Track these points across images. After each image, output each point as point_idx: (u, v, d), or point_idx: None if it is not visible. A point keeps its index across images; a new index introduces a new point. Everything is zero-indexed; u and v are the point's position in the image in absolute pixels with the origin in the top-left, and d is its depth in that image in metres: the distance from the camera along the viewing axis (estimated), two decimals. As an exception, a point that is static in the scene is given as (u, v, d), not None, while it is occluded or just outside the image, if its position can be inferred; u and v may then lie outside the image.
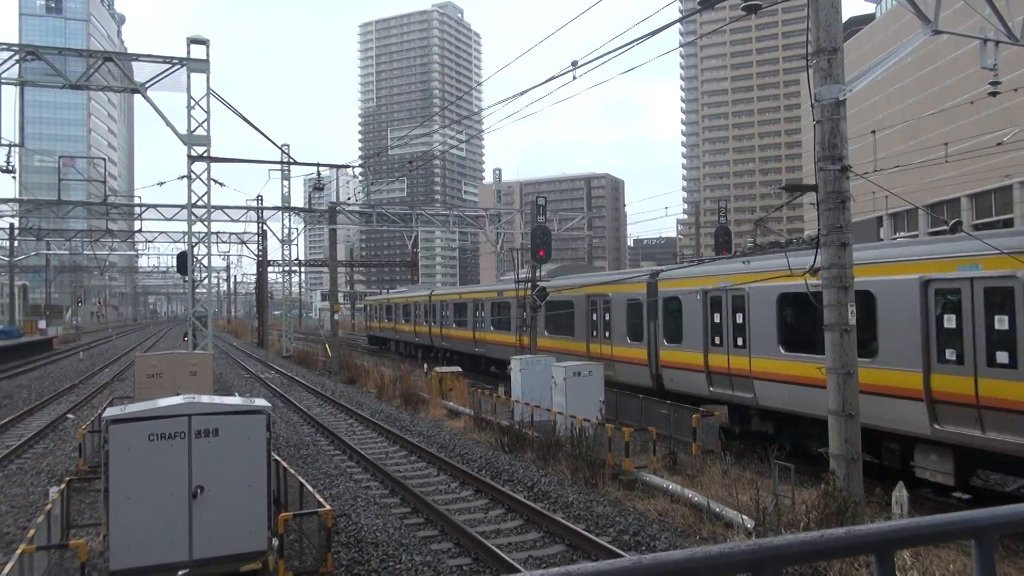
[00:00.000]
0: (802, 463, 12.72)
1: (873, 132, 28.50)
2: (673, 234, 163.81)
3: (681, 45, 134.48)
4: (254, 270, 60.71)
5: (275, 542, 8.36)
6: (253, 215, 49.66)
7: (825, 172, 10.77)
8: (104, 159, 45.09)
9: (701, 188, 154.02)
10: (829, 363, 10.38)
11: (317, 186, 30.74)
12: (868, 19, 76.44)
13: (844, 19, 12.93)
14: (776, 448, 11.27)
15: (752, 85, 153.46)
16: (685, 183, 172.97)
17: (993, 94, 12.37)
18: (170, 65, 22.56)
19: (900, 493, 9.82)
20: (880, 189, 19.41)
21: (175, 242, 56.88)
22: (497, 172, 53.77)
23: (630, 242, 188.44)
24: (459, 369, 25.96)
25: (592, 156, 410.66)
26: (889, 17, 65.90)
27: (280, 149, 33.81)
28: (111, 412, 8.12)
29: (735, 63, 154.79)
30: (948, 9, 11.89)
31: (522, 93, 14.81)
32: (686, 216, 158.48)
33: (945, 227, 12.51)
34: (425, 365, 29.88)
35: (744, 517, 9.93)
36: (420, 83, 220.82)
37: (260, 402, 8.98)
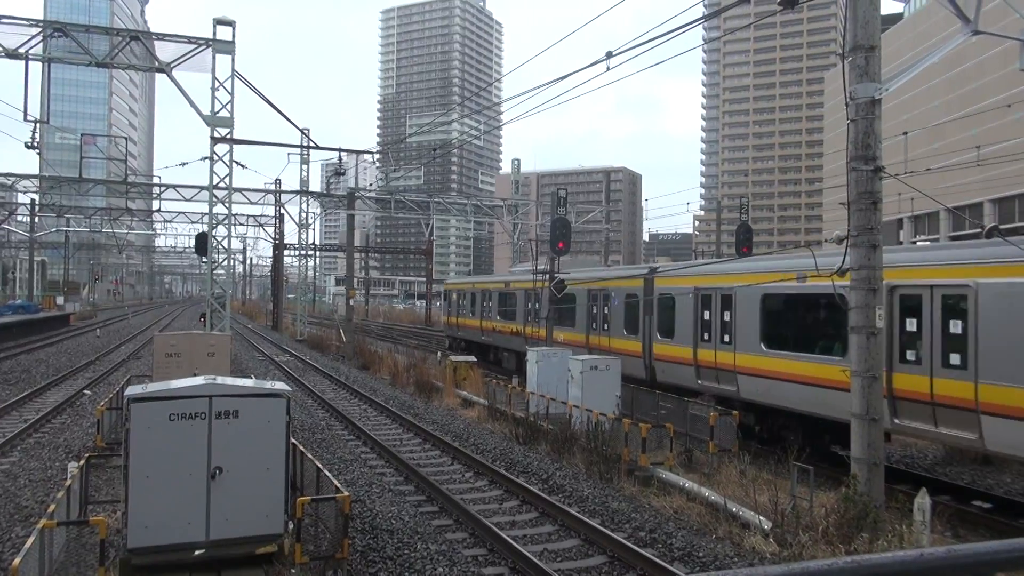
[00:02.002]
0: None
1: (905, 133, 28.15)
2: (689, 230, 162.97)
3: (706, 41, 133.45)
4: (270, 253, 60.92)
5: (291, 526, 8.34)
6: (271, 198, 49.82)
7: (857, 172, 10.58)
8: (125, 138, 45.30)
9: (720, 185, 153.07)
10: (854, 366, 10.22)
11: (338, 171, 30.75)
12: (895, 19, 75.48)
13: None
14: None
15: (775, 83, 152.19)
16: (704, 179, 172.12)
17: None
18: (196, 46, 22.55)
19: (923, 500, 9.66)
20: (905, 191, 19.14)
21: (193, 223, 57.21)
22: (516, 162, 53.62)
23: (646, 236, 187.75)
24: (473, 358, 25.93)
25: (608, 150, 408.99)
26: (919, 16, 65.05)
27: (302, 132, 33.79)
28: (132, 390, 8.11)
29: (758, 59, 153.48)
30: (983, 8, 11.63)
31: (549, 84, 14.68)
32: (703, 212, 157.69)
33: (979, 230, 12.30)
34: (439, 353, 29.87)
35: (761, 518, 9.83)
36: (440, 71, 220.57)
37: (280, 386, 8.96)
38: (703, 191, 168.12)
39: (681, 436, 14.43)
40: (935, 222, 57.52)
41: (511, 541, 9.28)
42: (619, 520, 10.41)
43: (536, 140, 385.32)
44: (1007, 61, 45.31)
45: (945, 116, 50.54)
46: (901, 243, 65.08)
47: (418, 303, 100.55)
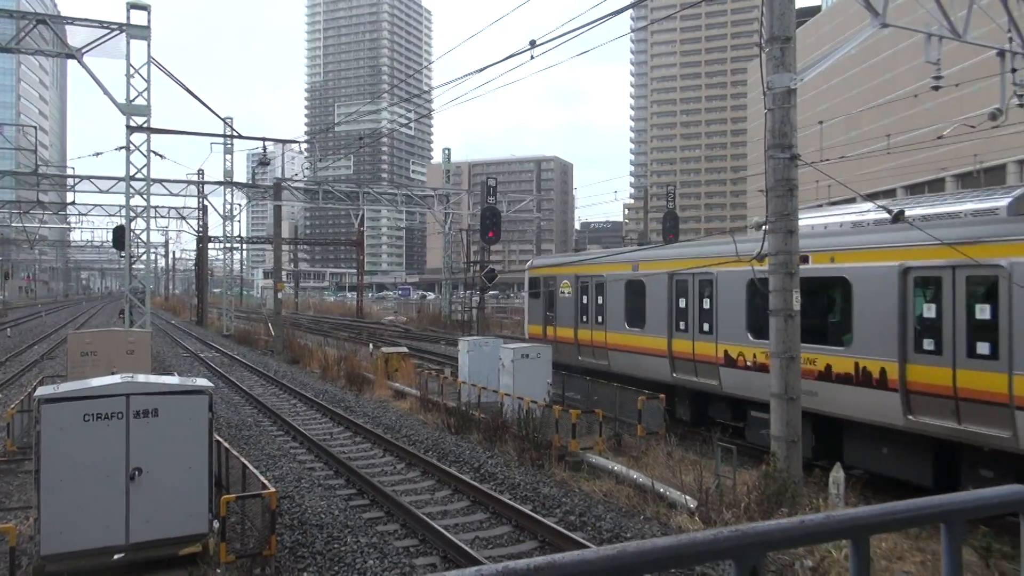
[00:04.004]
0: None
1: (821, 123, 29.15)
2: (620, 218, 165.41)
3: (632, 31, 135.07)
4: (194, 246, 59.12)
5: (216, 525, 8.16)
6: (193, 189, 48.28)
7: (775, 160, 10.92)
8: (35, 127, 43.16)
9: (648, 173, 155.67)
10: (773, 348, 10.59)
11: (262, 161, 29.98)
12: (814, 11, 77.95)
13: (795, 9, 13.07)
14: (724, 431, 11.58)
15: (700, 72, 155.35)
16: (633, 168, 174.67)
17: (936, 88, 12.71)
18: (108, 30, 21.61)
19: (837, 474, 10.10)
20: (821, 178, 19.85)
21: (111, 215, 55.01)
22: (447, 152, 53.35)
23: (577, 225, 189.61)
24: (405, 349, 25.79)
25: (540, 139, 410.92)
26: (836, 9, 67.35)
27: (223, 121, 32.83)
28: (43, 391, 7.78)
29: (684, 50, 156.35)
30: (894, 2, 12.13)
31: (480, 71, 14.62)
32: (633, 201, 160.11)
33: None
34: (371, 345, 29.57)
35: (687, 497, 10.10)
36: (369, 59, 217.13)
37: (202, 382, 8.73)
38: (632, 179, 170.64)
39: (611, 420, 14.70)
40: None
41: (442, 530, 9.29)
42: (550, 505, 10.54)
43: (468, 130, 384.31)
44: (917, 54, 47.41)
45: (861, 106, 52.54)
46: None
47: (349, 295, 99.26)
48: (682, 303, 15.51)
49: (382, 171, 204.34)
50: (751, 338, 13.64)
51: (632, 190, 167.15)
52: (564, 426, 13.15)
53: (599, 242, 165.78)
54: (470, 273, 40.77)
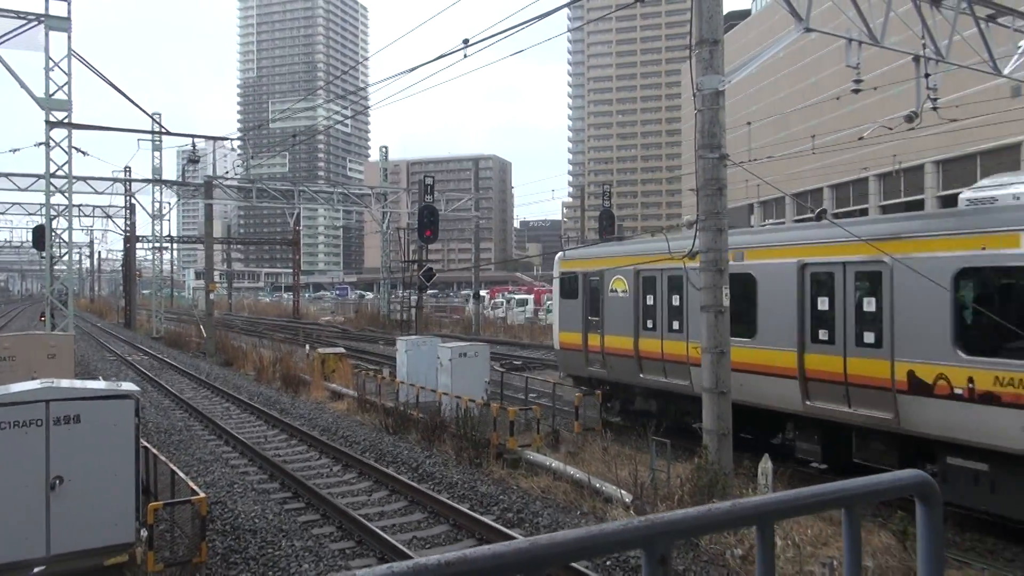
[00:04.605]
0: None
1: (749, 124, 29.92)
2: (559, 216, 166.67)
3: (569, 30, 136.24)
4: (121, 246, 57.13)
5: (144, 533, 7.93)
6: (120, 187, 46.63)
7: (704, 160, 11.19)
8: (-54, 121, 40.95)
9: (586, 172, 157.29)
10: (704, 343, 10.84)
11: (191, 158, 29.16)
12: (744, 14, 79.98)
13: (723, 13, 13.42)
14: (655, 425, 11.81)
15: (636, 73, 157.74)
16: (571, 167, 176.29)
17: (856, 91, 13.18)
18: (26, 21, 20.68)
19: (765, 465, 10.41)
20: (752, 178, 20.43)
21: (31, 214, 52.69)
22: (384, 150, 52.84)
23: (516, 224, 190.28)
24: (343, 350, 25.49)
25: (479, 138, 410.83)
26: (764, 13, 69.23)
27: (151, 118, 31.83)
28: (-46, 398, 7.42)
29: (620, 51, 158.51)
30: (817, 9, 12.55)
31: (411, 70, 14.53)
32: (572, 199, 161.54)
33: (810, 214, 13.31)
34: (307, 346, 29.10)
35: (623, 491, 10.27)
36: (304, 55, 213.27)
37: (128, 386, 8.47)
38: (571, 178, 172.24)
39: (549, 417, 14.83)
40: (781, 207, 61.58)
41: (379, 531, 9.23)
42: (488, 503, 10.57)
43: (407, 128, 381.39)
44: (840, 58, 49.06)
45: (789, 108, 54.10)
46: (752, 226, 69.41)
47: (285, 295, 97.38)
48: (823, 304, 11.52)
49: (318, 169, 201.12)
50: (962, 354, 9.64)
51: (570, 189, 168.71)
52: (502, 424, 13.20)
53: (538, 240, 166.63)
54: (408, 272, 40.53)
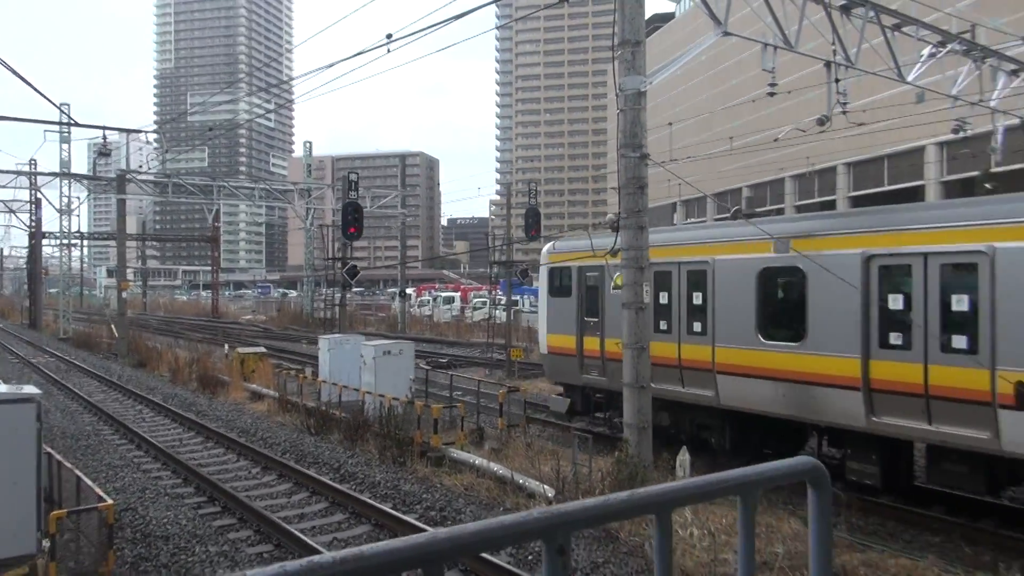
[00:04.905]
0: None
1: (670, 124, 30.59)
2: (486, 214, 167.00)
3: (497, 27, 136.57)
4: (26, 242, 54.23)
5: (46, 543, 7.54)
6: (25, 181, 44.24)
7: (626, 159, 11.36)
8: None
9: (513, 170, 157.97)
10: (625, 339, 11.02)
11: (103, 151, 27.91)
12: (669, 17, 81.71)
13: (647, 16, 13.67)
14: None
15: (564, 72, 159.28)
16: (499, 164, 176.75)
17: (771, 94, 13.62)
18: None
19: (683, 457, 10.68)
20: (675, 177, 20.91)
21: (-76, 208, 49.47)
22: (308, 145, 51.81)
23: (444, 221, 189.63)
24: (263, 349, 24.89)
25: (407, 135, 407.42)
26: (687, 16, 70.86)
27: (58, 108, 30.28)
28: None
29: (548, 50, 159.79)
30: (737, 14, 12.91)
31: (331, 65, 14.28)
32: (500, 197, 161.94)
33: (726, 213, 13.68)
34: (226, 346, 28.27)
35: (545, 487, 10.34)
36: (225, 45, 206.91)
37: (29, 389, 8.04)
38: (499, 176, 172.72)
39: (473, 414, 14.83)
40: (703, 206, 63.20)
41: (298, 533, 9.04)
42: (411, 502, 10.49)
43: (332, 124, 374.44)
44: (758, 62, 50.72)
45: (711, 109, 55.57)
46: (675, 224, 71.07)
47: (204, 294, 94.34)
48: (896, 302, 9.96)
49: (240, 164, 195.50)
50: None
51: (499, 187, 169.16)
52: (426, 422, 13.11)
53: (466, 238, 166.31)
54: (332, 270, 39.87)
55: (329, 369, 17.52)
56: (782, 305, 11.95)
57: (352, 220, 21.92)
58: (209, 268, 76.88)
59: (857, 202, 43.21)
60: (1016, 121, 17.84)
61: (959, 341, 9.20)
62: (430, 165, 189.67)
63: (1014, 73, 17.16)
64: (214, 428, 15.57)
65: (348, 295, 39.48)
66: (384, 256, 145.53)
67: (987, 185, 18.59)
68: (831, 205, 48.78)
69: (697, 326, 12.56)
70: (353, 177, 23.41)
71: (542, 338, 16.02)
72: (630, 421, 10.77)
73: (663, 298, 13.17)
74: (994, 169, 19.15)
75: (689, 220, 69.47)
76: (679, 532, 8.83)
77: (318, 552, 8.49)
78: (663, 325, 13.13)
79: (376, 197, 50.02)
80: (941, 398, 9.32)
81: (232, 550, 8.77)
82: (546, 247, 16.49)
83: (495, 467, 11.54)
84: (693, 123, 55.42)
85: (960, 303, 9.27)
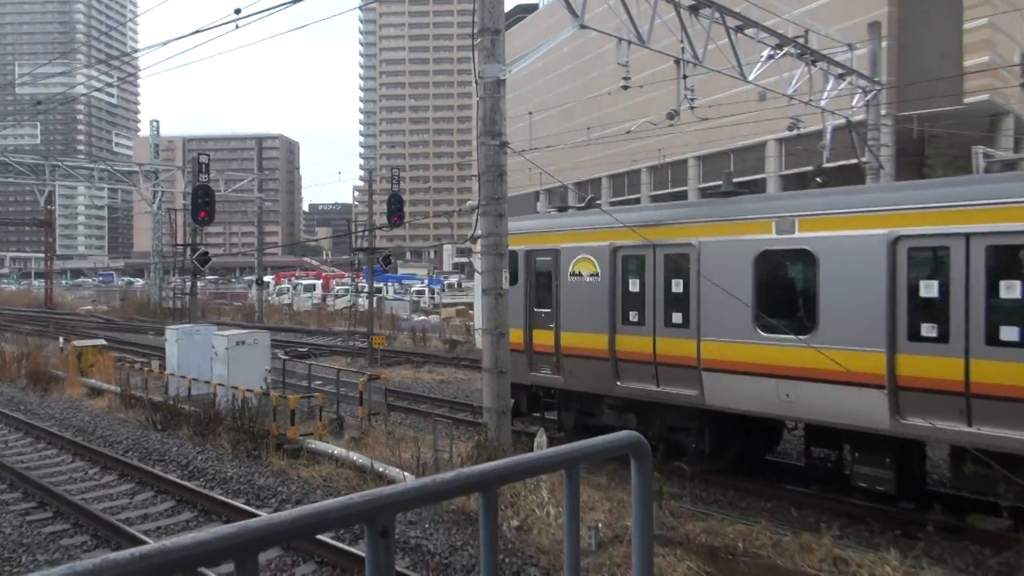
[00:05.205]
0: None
1: (530, 113, 31.04)
2: (350, 200, 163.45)
3: (359, 8, 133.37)
4: None
5: None
6: None
7: (486, 147, 11.43)
8: None
9: (378, 156, 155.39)
10: (485, 325, 11.15)
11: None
12: (533, 8, 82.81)
13: (511, 7, 13.78)
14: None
15: (429, 59, 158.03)
16: (362, 150, 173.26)
17: (625, 87, 14.12)
18: None
19: (541, 439, 10.94)
20: (535, 167, 21.29)
21: None
22: (154, 124, 48.63)
23: (305, 207, 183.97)
24: (103, 341, 23.22)
25: (267, 117, 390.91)
26: (550, 8, 72.09)
27: None
28: None
29: (413, 34, 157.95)
30: (596, 9, 13.27)
31: (178, 38, 13.43)
32: (363, 183, 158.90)
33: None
34: (61, 339, 26.13)
35: (406, 474, 10.30)
36: (60, 12, 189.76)
37: None
38: (362, 161, 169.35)
39: (333, 404, 14.53)
40: (566, 195, 64.80)
41: (140, 535, 8.52)
42: (265, 496, 10.14)
43: (184, 104, 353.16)
44: (616, 56, 52.39)
45: (572, 100, 56.91)
46: (537, 213, 72.50)
47: (36, 283, 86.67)
48: (928, 289, 8.89)
49: (78, 142, 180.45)
50: None
51: (362, 172, 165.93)
52: (283, 413, 12.70)
53: (328, 224, 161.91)
54: (183, 257, 37.70)
55: (177, 361, 16.59)
56: (786, 293, 10.53)
57: (203, 204, 20.81)
58: (42, 255, 70.62)
59: (705, 194, 45.71)
60: (842, 121, 19.48)
61: (1009, 332, 8.19)
62: (290, 148, 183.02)
63: (841, 77, 18.71)
64: (46, 427, 14.37)
65: (200, 283, 37.51)
66: (241, 243, 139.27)
67: (818, 179, 20.17)
68: (683, 196, 51.23)
69: (677, 317, 11.11)
70: (204, 159, 22.22)
71: (477, 330, 13.91)
72: (489, 405, 10.91)
73: (634, 286, 11.73)
74: (825, 164, 20.77)
75: (551, 208, 70.87)
76: (536, 512, 9.06)
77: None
78: (633, 316, 11.70)
79: (231, 180, 47.70)
80: (985, 396, 8.32)
81: (64, 558, 8.15)
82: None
83: (355, 456, 11.36)
84: (555, 114, 56.58)
85: (1011, 290, 8.21)
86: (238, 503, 9.63)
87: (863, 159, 19.94)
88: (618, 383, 11.78)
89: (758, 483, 11.02)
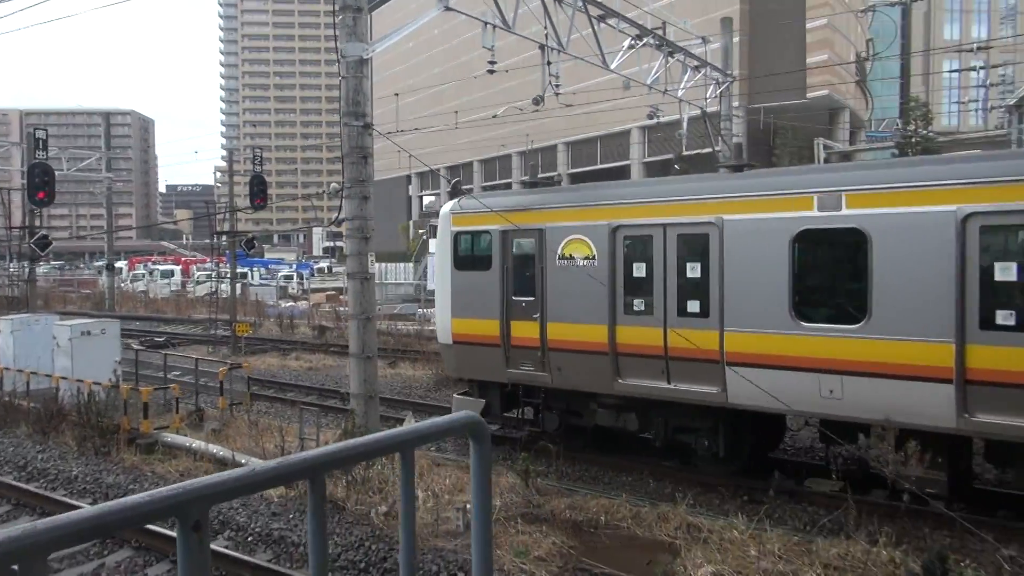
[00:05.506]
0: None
1: (396, 94, 30.60)
2: (212, 181, 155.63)
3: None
4: None
5: None
6: None
7: (349, 128, 11.18)
8: None
9: (241, 135, 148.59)
10: (352, 310, 10.96)
11: None
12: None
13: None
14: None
15: (295, 35, 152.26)
16: (224, 128, 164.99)
17: (491, 72, 14.18)
18: None
19: (410, 421, 10.92)
20: (411, 148, 21.02)
21: None
22: (-17, 94, 44.17)
23: (163, 188, 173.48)
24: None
25: (121, 91, 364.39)
26: (418, -11, 71.25)
27: None
28: None
29: (277, 9, 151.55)
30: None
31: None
32: (225, 163, 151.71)
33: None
34: None
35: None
36: None
37: None
38: (224, 141, 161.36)
39: (192, 395, 13.88)
40: (437, 179, 64.46)
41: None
42: (114, 495, 9.56)
43: (27, 75, 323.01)
44: (488, 40, 52.47)
45: (443, 83, 56.58)
46: (410, 196, 71.86)
47: None
48: (1005, 272, 8.04)
49: None
50: None
51: (224, 152, 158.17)
52: (135, 407, 12.00)
53: (188, 206, 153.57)
54: (20, 241, 34.65)
55: (13, 354, 15.29)
56: (830, 278, 9.59)
57: (41, 184, 19.15)
58: None
59: (575, 179, 46.86)
60: (698, 111, 20.45)
61: None
62: (144, 126, 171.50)
63: (696, 69, 19.61)
64: None
65: (43, 269, 34.63)
66: (90, 226, 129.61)
67: (676, 167, 21.08)
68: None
69: (694, 306, 9.90)
70: (41, 135, 20.45)
71: (443, 324, 12.42)
72: (357, 391, 10.76)
73: (639, 270, 10.41)
74: (685, 153, 21.73)
75: (424, 192, 70.55)
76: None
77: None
78: (638, 305, 10.40)
79: (76, 159, 44.23)
80: None
81: None
82: (447, 206, 12.94)
83: (214, 449, 10.92)
84: (426, 96, 56.10)
85: None
86: (84, 504, 9.02)
87: (717, 148, 21.04)
88: (618, 380, 10.42)
89: (620, 458, 11.46)
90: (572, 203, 11.27)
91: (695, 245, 9.94)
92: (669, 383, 10.06)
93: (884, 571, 6.80)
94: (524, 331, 11.36)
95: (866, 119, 45.13)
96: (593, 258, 10.69)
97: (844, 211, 8.74)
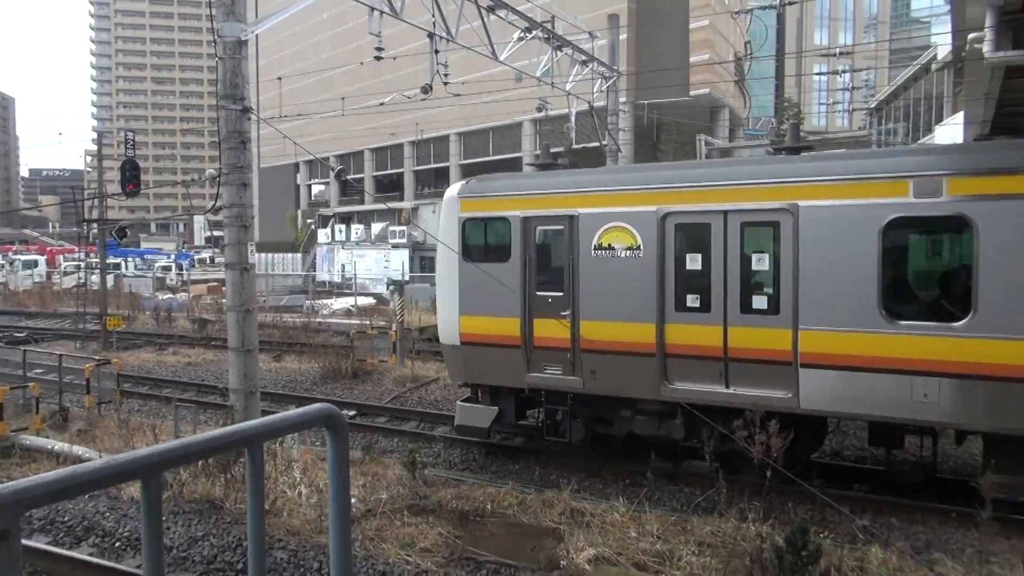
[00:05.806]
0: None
1: (279, 78, 29.56)
2: (82, 166, 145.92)
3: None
4: None
5: None
6: None
7: (227, 112, 10.71)
8: None
9: (114, 117, 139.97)
10: (229, 302, 10.54)
11: None
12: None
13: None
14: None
15: (174, 13, 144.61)
16: (95, 110, 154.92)
17: (378, 58, 13.94)
18: None
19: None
20: (298, 135, 20.34)
21: None
22: None
23: (25, 172, 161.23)
24: None
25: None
26: (307, -28, 69.11)
27: None
28: None
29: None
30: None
31: None
32: (96, 147, 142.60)
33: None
34: None
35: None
36: None
37: None
38: (95, 123, 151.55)
39: (55, 394, 12.99)
40: (325, 167, 62.94)
41: None
42: (-37, 503, 8.82)
43: None
44: (375, 26, 51.50)
45: (333, 68, 55.12)
46: (298, 185, 69.83)
47: None
48: None
49: None
50: None
51: (95, 135, 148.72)
52: (-12, 408, 11.11)
53: (54, 192, 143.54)
54: None
55: None
56: (927, 271, 8.90)
57: None
58: None
59: (467, 170, 46.83)
60: (586, 106, 20.83)
61: None
62: (3, 103, 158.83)
63: (584, 63, 19.95)
64: None
65: None
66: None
67: (561, 161, 21.38)
68: (445, 171, 51.99)
69: (760, 302, 8.99)
70: None
71: (448, 322, 11.09)
72: (236, 386, 10.35)
73: (693, 262, 9.33)
74: (575, 146, 22.12)
75: (314, 180, 68.71)
76: (288, 493, 8.81)
77: None
78: (692, 301, 9.34)
79: (-79, 138, 40.39)
80: None
81: None
82: (452, 190, 11.43)
83: (79, 451, 10.28)
84: (315, 82, 54.54)
85: None
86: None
87: (604, 142, 21.52)
88: (666, 384, 9.42)
89: (505, 447, 11.56)
90: (610, 186, 10.03)
91: (763, 234, 9.02)
92: (728, 387, 9.11)
93: (752, 545, 7.17)
94: (550, 330, 10.18)
95: (744, 117, 47.40)
96: (638, 248, 9.55)
97: (946, 197, 7.92)
